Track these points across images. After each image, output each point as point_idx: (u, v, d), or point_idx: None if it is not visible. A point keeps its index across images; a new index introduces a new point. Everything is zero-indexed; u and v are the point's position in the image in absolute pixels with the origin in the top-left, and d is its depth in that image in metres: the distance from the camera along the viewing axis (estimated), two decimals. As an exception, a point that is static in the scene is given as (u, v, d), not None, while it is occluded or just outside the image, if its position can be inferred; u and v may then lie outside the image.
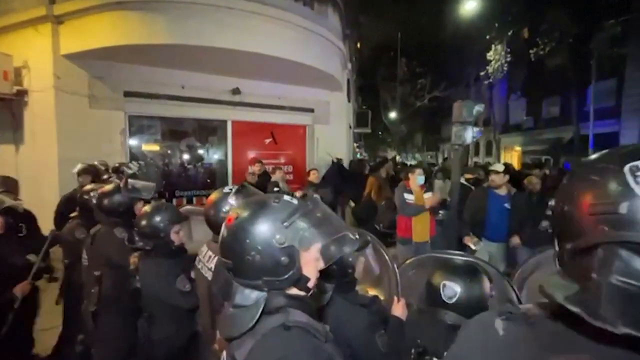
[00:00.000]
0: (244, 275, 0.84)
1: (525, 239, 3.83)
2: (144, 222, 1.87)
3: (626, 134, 12.72)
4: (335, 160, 6.82)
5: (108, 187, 2.33)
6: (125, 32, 4.68)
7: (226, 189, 1.63)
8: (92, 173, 3.64)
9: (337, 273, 1.36)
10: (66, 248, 2.70)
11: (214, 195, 1.65)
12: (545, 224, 3.87)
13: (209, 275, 1.56)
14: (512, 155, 19.91)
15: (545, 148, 16.21)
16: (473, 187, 4.80)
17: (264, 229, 0.83)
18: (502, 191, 3.96)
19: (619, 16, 11.47)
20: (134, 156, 6.04)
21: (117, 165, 4.34)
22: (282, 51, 5.40)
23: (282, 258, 0.82)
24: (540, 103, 17.66)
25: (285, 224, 0.84)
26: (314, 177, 5.38)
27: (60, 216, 3.24)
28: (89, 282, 2.18)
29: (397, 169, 8.77)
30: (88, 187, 2.74)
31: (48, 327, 2.88)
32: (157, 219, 1.87)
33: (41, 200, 4.89)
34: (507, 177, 4.01)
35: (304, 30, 5.68)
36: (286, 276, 0.83)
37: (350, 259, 1.44)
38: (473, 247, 3.87)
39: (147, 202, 2.30)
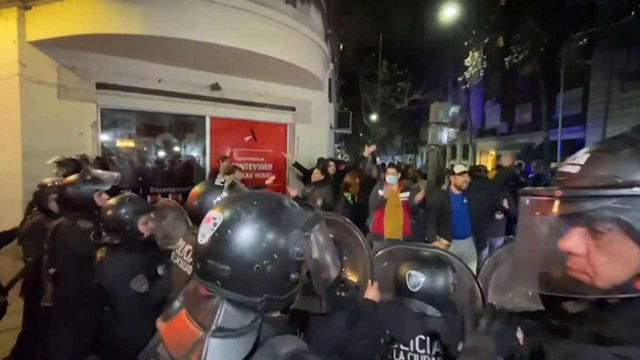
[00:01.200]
0: (243, 289, 0.65)
1: (485, 228, 4.06)
2: (108, 216, 1.79)
3: (591, 141, 13.49)
4: (294, 164, 6.86)
5: (70, 178, 2.23)
6: (98, 20, 4.48)
7: (217, 182, 1.55)
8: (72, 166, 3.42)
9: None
10: (28, 243, 2.55)
11: (201, 187, 1.56)
12: (499, 215, 4.20)
13: (188, 270, 1.50)
14: (487, 159, 20.66)
15: (517, 153, 16.94)
16: None
17: (285, 235, 0.67)
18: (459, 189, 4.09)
19: (585, 28, 12.14)
20: (107, 151, 5.81)
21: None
22: (263, 48, 5.33)
23: (293, 274, 0.68)
24: (514, 109, 18.45)
25: (306, 233, 0.70)
26: (317, 177, 5.07)
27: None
28: (46, 279, 2.07)
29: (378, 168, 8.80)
30: (46, 180, 2.61)
31: (8, 328, 2.72)
32: (122, 211, 1.80)
33: (1, 200, 4.62)
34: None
35: (286, 27, 5.64)
36: (287, 295, 0.69)
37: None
38: None
39: (112, 194, 2.21)
